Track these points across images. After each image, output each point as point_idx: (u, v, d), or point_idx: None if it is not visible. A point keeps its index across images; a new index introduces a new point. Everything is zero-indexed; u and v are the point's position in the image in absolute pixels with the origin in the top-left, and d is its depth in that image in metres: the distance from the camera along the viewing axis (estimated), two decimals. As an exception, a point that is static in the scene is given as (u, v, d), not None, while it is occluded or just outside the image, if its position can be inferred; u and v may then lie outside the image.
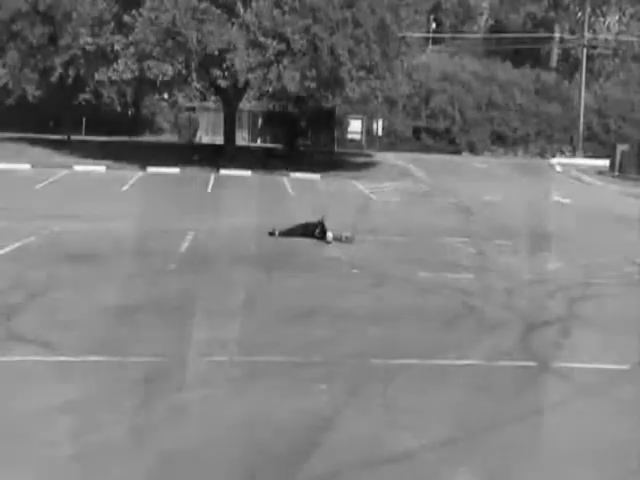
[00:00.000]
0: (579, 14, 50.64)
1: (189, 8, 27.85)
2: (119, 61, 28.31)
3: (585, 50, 45.80)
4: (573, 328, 8.74)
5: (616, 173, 35.03)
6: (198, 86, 37.07)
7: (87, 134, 43.07)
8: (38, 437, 5.17)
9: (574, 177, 34.67)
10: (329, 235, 14.69)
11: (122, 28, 28.73)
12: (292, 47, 27.71)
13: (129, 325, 8.16)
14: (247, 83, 30.69)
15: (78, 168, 29.47)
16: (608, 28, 53.06)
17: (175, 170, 30.23)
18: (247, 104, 43.94)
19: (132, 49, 28.07)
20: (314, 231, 14.97)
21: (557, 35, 52.76)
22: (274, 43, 27.84)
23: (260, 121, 46.35)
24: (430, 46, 59.02)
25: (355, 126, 43.62)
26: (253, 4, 29.07)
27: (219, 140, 40.97)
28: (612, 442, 5.47)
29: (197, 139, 46.21)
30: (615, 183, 31.54)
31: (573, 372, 6.99)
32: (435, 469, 4.90)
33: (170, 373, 6.60)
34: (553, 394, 6.39)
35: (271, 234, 14.96)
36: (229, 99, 34.07)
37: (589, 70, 47.85)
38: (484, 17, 64.27)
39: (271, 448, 5.11)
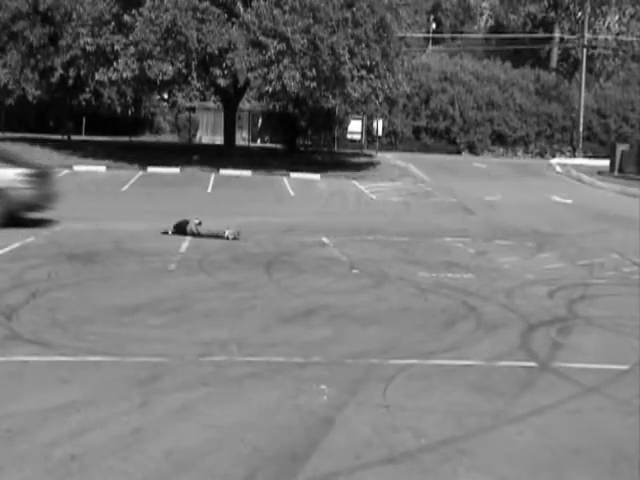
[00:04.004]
0: (579, 14, 50.67)
1: (189, 8, 27.88)
2: (119, 61, 28.33)
3: (585, 50, 45.83)
4: (573, 328, 8.74)
5: (616, 173, 35.03)
6: (198, 86, 37.10)
7: (87, 134, 43.16)
8: (38, 437, 5.17)
9: (574, 177, 34.69)
10: (227, 232, 14.75)
11: (122, 28, 28.77)
12: (292, 47, 27.71)
13: (130, 325, 8.16)
14: (247, 83, 30.74)
15: (78, 168, 29.50)
16: (608, 28, 53.08)
17: (175, 170, 30.25)
18: (247, 104, 44.00)
19: (132, 49, 28.11)
20: (186, 228, 15.08)
21: (557, 35, 52.81)
22: (274, 43, 27.85)
23: (260, 121, 46.39)
24: (430, 46, 59.09)
25: (355, 126, 43.69)
26: (253, 4, 29.10)
27: (219, 140, 41.04)
28: (612, 442, 5.47)
29: (197, 139, 46.25)
30: (615, 183, 31.55)
31: (573, 372, 7.00)
32: (435, 469, 4.90)
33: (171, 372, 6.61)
34: (553, 394, 6.39)
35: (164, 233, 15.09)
36: (229, 99, 34.09)
37: (589, 70, 47.92)
38: (484, 17, 64.31)
39: (271, 448, 5.11)
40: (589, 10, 48.42)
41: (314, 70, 28.07)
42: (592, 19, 51.02)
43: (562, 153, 45.96)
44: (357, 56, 28.50)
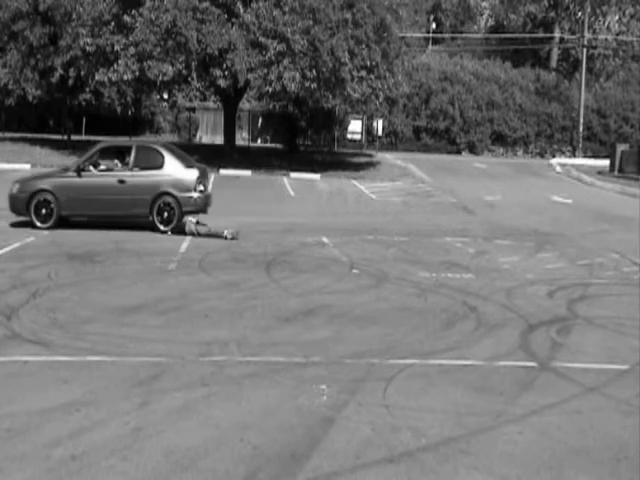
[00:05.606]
0: (579, 14, 50.66)
1: (189, 8, 27.86)
2: (119, 61, 28.32)
3: (585, 50, 45.82)
4: (573, 328, 8.74)
5: (616, 173, 35.03)
6: (198, 86, 37.06)
7: (87, 134, 43.13)
8: (38, 437, 5.17)
9: (574, 177, 34.70)
10: (225, 231, 14.78)
11: (122, 28, 28.74)
12: (292, 48, 27.70)
13: (130, 325, 8.16)
14: (247, 83, 30.70)
15: (78, 168, 29.44)
16: (608, 28, 53.06)
17: (175, 170, 30.17)
18: (247, 104, 43.99)
19: (132, 49, 28.09)
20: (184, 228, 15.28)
21: (557, 35, 52.80)
22: (274, 43, 27.84)
23: (260, 121, 46.39)
24: (430, 46, 59.08)
25: (355, 126, 43.68)
26: (253, 4, 29.08)
27: (219, 140, 41.05)
28: (612, 442, 5.47)
29: (197, 139, 46.25)
30: (615, 183, 31.56)
31: (573, 372, 7.00)
32: (435, 469, 4.90)
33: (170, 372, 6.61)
34: (553, 394, 6.39)
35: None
36: (229, 99, 34.07)
37: (589, 70, 47.92)
38: (484, 17, 64.30)
39: (271, 448, 5.12)
40: (589, 10, 48.41)
41: (314, 71, 28.05)
42: (592, 19, 51.01)
43: (562, 153, 45.96)
44: (357, 57, 28.47)
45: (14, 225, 15.54)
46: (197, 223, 15.20)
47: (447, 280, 11.28)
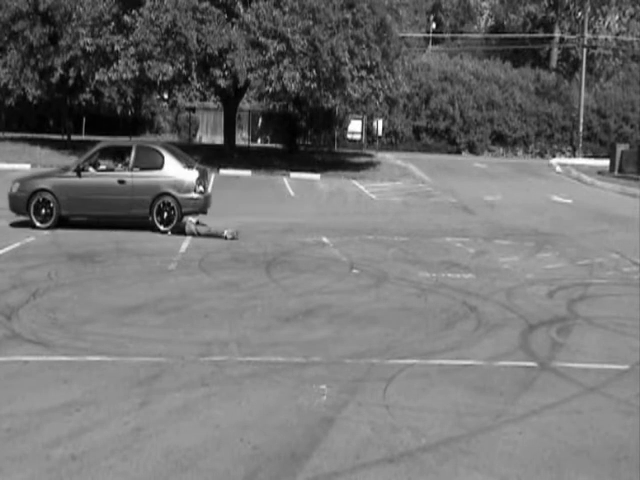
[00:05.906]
0: (579, 14, 50.64)
1: (189, 8, 27.85)
2: (119, 61, 28.32)
3: (585, 50, 45.81)
4: (573, 328, 8.74)
5: (616, 173, 35.02)
6: (198, 86, 37.05)
7: (87, 134, 43.14)
8: (38, 437, 5.17)
9: (574, 177, 34.70)
10: (225, 231, 14.77)
11: (122, 28, 28.74)
12: (292, 48, 27.69)
13: (130, 325, 8.16)
14: (247, 83, 30.70)
15: (78, 168, 29.43)
16: (608, 28, 53.04)
17: (175, 170, 30.14)
18: (247, 104, 43.98)
19: (132, 49, 28.09)
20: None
21: (557, 35, 52.79)
22: (274, 43, 27.84)
23: (260, 121, 46.38)
24: (430, 46, 59.08)
25: (355, 126, 43.66)
26: (253, 4, 29.07)
27: (219, 140, 41.05)
28: (612, 442, 5.47)
29: (197, 139, 46.25)
30: (615, 183, 31.55)
31: (573, 372, 7.00)
32: (435, 469, 4.90)
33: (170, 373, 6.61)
34: (553, 394, 6.39)
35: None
36: (229, 99, 34.07)
37: (589, 70, 47.92)
38: (484, 17, 64.28)
39: (271, 448, 5.12)
40: (589, 10, 48.41)
41: (314, 71, 28.04)
42: (592, 19, 51.01)
43: (562, 153, 45.98)
44: (357, 56, 28.46)
45: (14, 225, 15.56)
46: (197, 223, 15.20)
47: (447, 280, 11.28)
